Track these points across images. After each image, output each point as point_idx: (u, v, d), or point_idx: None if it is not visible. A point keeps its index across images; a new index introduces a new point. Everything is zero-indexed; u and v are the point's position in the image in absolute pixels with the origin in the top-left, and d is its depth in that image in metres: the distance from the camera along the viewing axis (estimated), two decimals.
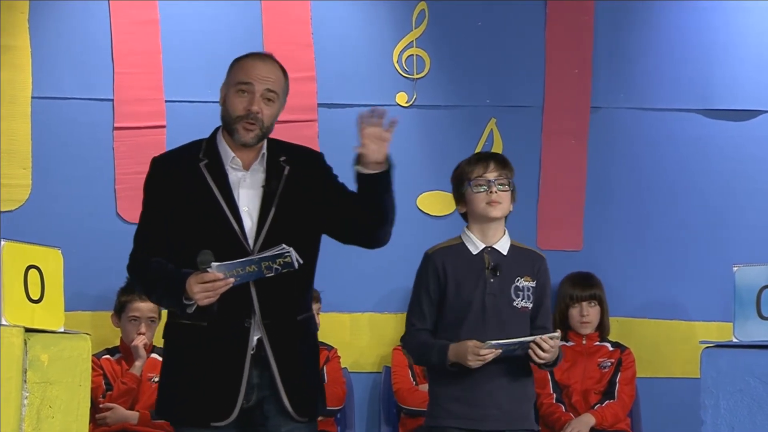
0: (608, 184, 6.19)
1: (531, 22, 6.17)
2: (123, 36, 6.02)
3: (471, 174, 4.47)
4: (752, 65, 6.18)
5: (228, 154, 4.22)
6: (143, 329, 5.64)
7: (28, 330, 3.64)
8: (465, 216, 4.59)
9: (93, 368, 5.46)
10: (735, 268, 4.01)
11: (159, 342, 5.76)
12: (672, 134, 6.17)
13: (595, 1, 6.18)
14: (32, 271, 3.71)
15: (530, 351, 4.34)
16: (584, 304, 5.81)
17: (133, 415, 5.57)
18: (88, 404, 3.78)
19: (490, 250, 4.49)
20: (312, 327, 4.33)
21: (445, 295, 4.47)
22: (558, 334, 4.37)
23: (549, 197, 6.16)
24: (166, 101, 6.03)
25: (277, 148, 4.28)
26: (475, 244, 4.50)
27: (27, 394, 3.60)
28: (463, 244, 4.53)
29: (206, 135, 5.92)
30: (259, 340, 4.13)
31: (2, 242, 3.64)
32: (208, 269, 3.98)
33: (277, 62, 4.28)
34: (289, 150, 4.31)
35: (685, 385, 5.92)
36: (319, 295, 5.65)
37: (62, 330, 3.77)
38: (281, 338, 4.15)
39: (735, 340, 3.97)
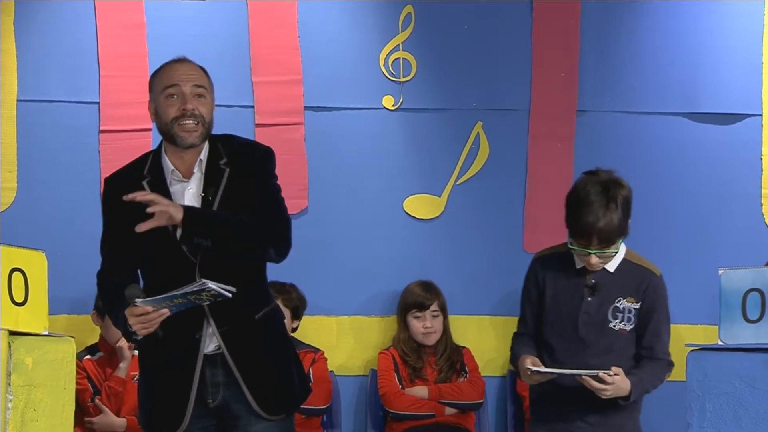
0: None
1: (517, 25, 6.17)
2: (109, 39, 6.01)
3: (573, 235, 4.31)
4: (738, 69, 6.19)
5: (168, 167, 4.24)
6: None
7: (12, 333, 3.64)
8: None
9: (77, 371, 5.47)
10: (720, 272, 4.01)
11: None
12: (658, 138, 6.18)
13: (581, 5, 6.18)
14: (16, 273, 3.70)
15: (586, 384, 4.27)
16: None
17: (120, 422, 5.56)
18: (73, 407, 3.77)
19: None
20: (276, 319, 4.33)
21: (544, 304, 4.41)
22: (611, 372, 4.26)
23: (535, 200, 6.16)
24: None
25: (220, 148, 4.26)
26: (581, 258, 4.38)
27: (11, 398, 3.59)
28: (570, 253, 4.40)
29: None
30: (218, 346, 4.17)
31: None
32: (135, 304, 4.01)
33: (194, 63, 4.30)
34: (233, 148, 4.28)
35: (671, 388, 5.90)
36: None
37: (46, 333, 3.76)
38: (241, 341, 4.18)
39: (720, 343, 3.97)
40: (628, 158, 6.19)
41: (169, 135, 4.20)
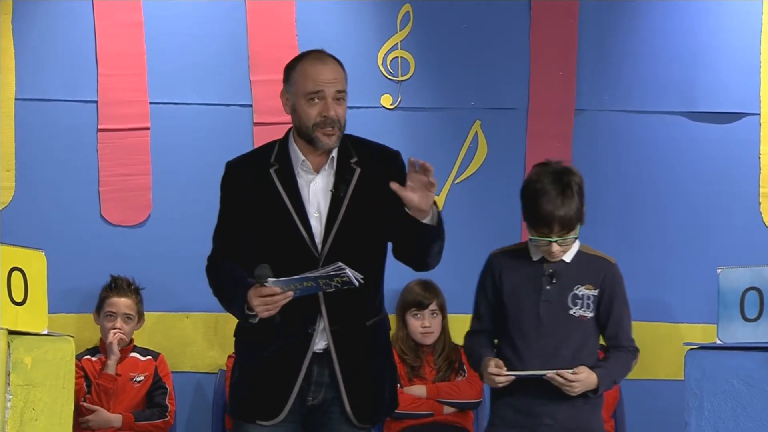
0: (593, 186, 6.14)
1: (516, 24, 6.17)
2: (107, 38, 6.01)
3: (534, 226, 4.35)
4: (736, 68, 6.19)
5: (298, 157, 4.20)
6: (118, 324, 5.62)
7: (11, 332, 3.64)
8: None
9: (75, 370, 5.48)
10: (719, 270, 4.02)
11: (139, 341, 5.78)
12: (656, 137, 6.18)
13: (579, 4, 6.18)
14: (15, 273, 3.70)
15: (553, 382, 4.29)
16: None
17: (116, 418, 5.56)
18: (72, 407, 3.77)
19: None
20: (384, 330, 4.32)
21: (503, 300, 4.43)
22: (574, 370, 4.28)
23: None
24: (150, 103, 6.02)
25: (350, 147, 4.25)
26: (537, 252, 4.42)
27: (10, 397, 3.59)
28: (526, 249, 4.46)
29: (190, 137, 5.99)
30: (327, 345, 4.15)
31: None
32: (265, 284, 3.97)
33: (334, 58, 4.26)
34: (363, 149, 4.28)
35: (670, 387, 5.92)
36: None
37: (46, 332, 3.76)
38: (349, 344, 4.16)
39: (719, 342, 3.98)
40: (626, 157, 6.20)
41: (308, 137, 4.17)
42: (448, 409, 5.73)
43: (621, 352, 4.43)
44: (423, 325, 5.81)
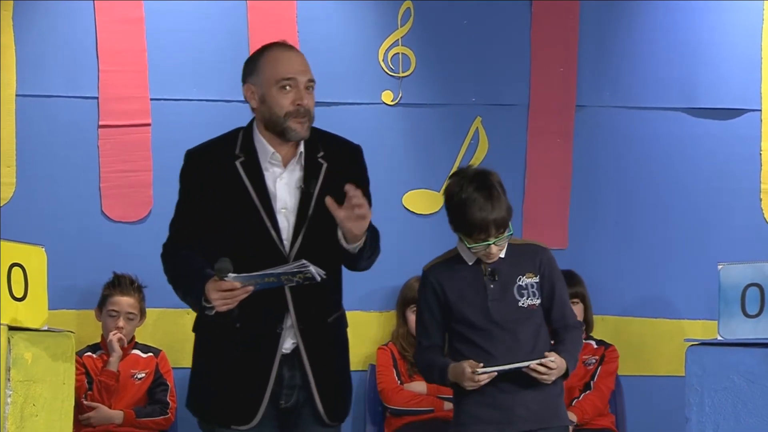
0: (593, 182, 6.19)
1: (516, 20, 6.17)
2: (108, 34, 6.01)
3: (470, 234, 4.33)
4: (737, 64, 6.19)
5: (267, 150, 4.11)
6: (121, 323, 5.62)
7: (11, 328, 3.64)
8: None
9: (75, 367, 5.48)
10: (720, 267, 4.02)
11: (141, 338, 5.78)
12: (657, 133, 6.19)
13: (580, 1, 6.18)
14: (16, 268, 3.71)
15: (531, 374, 4.30)
16: None
17: (117, 415, 5.56)
18: (72, 402, 3.78)
19: None
20: (343, 326, 4.29)
21: (450, 310, 4.42)
22: (552, 357, 4.30)
23: (534, 196, 6.16)
24: (151, 99, 6.02)
25: (316, 141, 4.17)
26: (471, 255, 4.42)
27: (10, 393, 3.59)
28: (459, 255, 4.45)
29: (191, 133, 5.97)
30: (295, 344, 4.10)
31: None
32: (225, 278, 3.91)
33: (298, 50, 4.23)
34: (328, 142, 4.20)
35: (671, 383, 5.93)
36: None
37: (46, 328, 3.77)
38: (315, 343, 4.12)
39: (720, 338, 3.98)
40: (626, 153, 6.20)
41: (279, 127, 4.08)
42: (448, 405, 5.73)
43: (572, 332, 4.45)
44: None
